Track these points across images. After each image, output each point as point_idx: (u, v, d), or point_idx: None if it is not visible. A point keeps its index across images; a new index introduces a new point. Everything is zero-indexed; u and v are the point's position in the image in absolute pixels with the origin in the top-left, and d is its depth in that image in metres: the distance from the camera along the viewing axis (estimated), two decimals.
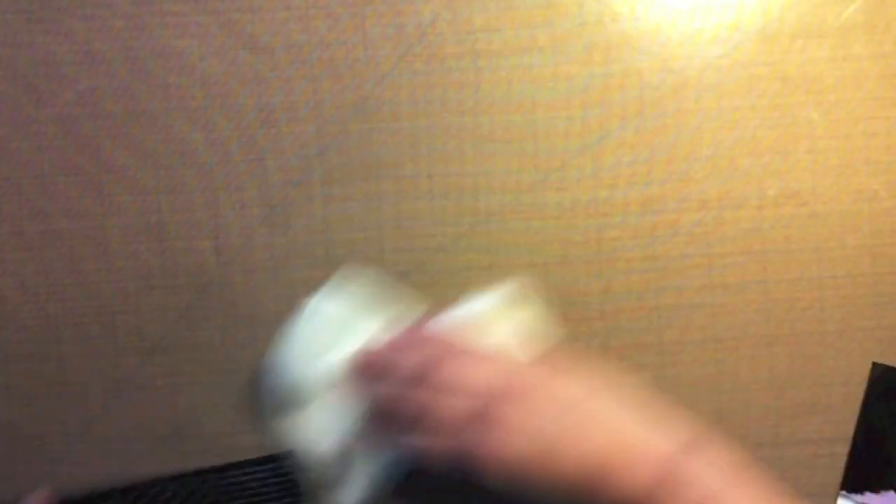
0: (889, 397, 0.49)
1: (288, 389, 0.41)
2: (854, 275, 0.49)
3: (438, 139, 0.49)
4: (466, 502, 0.37)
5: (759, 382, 0.49)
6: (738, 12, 0.49)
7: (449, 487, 0.36)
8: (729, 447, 0.34)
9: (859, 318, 0.49)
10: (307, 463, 0.40)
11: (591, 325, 0.49)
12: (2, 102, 0.48)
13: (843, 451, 0.49)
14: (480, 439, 0.34)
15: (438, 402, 0.35)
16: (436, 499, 0.40)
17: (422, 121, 0.49)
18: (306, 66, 0.49)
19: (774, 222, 0.49)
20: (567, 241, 0.49)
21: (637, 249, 0.49)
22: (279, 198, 0.49)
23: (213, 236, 0.48)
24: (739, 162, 0.49)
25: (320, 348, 0.41)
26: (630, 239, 0.49)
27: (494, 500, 0.34)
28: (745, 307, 0.49)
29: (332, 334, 0.41)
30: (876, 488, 0.49)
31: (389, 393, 0.38)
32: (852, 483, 0.49)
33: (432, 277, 0.49)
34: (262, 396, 0.41)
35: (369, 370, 0.40)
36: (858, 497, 0.49)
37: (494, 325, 0.41)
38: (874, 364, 0.49)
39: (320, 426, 0.40)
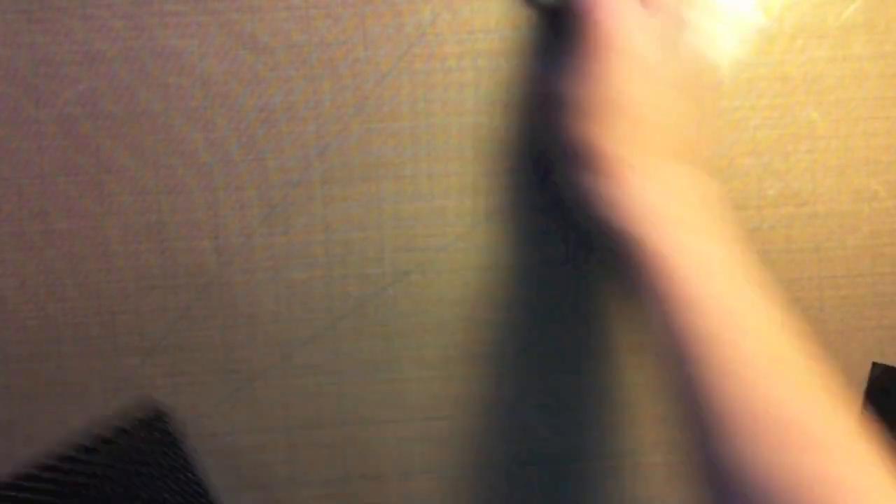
0: (889, 397, 0.49)
1: None
2: (854, 275, 0.49)
3: (438, 139, 0.49)
4: None
5: None
6: (739, 12, 0.49)
7: None
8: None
9: (859, 318, 0.49)
10: None
11: (591, 324, 0.49)
12: (2, 102, 0.48)
13: None
14: None
15: None
16: None
17: (422, 121, 0.49)
18: (306, 66, 0.49)
19: (774, 222, 0.49)
20: (567, 240, 0.49)
21: None
22: (279, 198, 0.49)
23: (213, 236, 0.48)
24: (739, 162, 0.49)
25: None
26: None
27: None
28: None
29: None
30: None
31: None
32: None
33: (432, 277, 0.49)
34: None
35: None
36: None
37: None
38: (874, 364, 0.49)
39: None
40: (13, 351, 0.48)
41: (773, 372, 0.32)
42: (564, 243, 0.49)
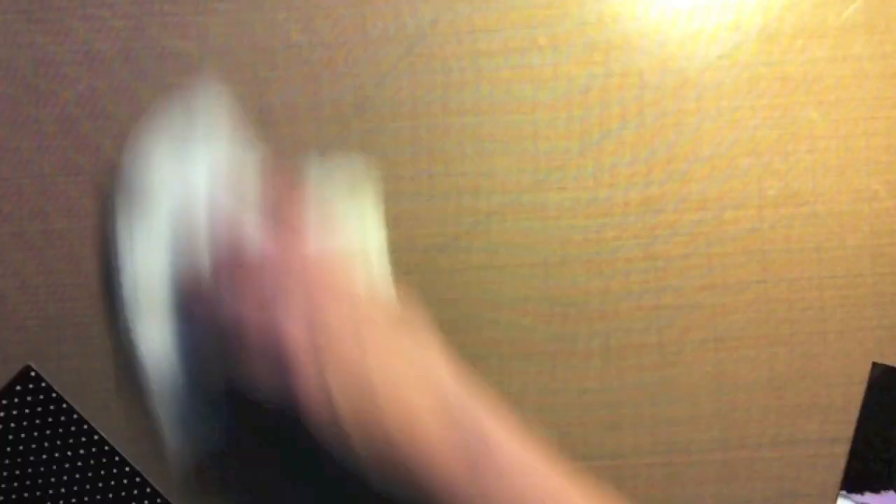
0: (889, 397, 0.49)
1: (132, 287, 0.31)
2: (854, 275, 0.49)
3: (438, 139, 0.49)
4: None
5: (759, 382, 0.49)
6: (738, 12, 0.49)
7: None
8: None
9: (859, 318, 0.49)
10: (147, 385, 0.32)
11: (591, 325, 0.49)
12: (2, 102, 0.48)
13: (843, 451, 0.49)
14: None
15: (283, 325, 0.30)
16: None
17: (422, 121, 0.49)
18: (306, 66, 0.49)
19: (774, 222, 0.49)
20: (567, 241, 0.49)
21: (637, 249, 0.49)
22: None
23: None
24: (739, 162, 0.49)
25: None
26: (630, 239, 0.49)
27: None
28: (745, 307, 0.49)
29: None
30: (876, 488, 0.49)
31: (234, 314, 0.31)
32: (852, 483, 0.49)
33: (432, 277, 0.49)
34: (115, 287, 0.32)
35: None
36: (858, 497, 0.49)
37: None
38: (874, 364, 0.49)
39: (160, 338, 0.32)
40: (13, 351, 0.48)
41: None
42: None
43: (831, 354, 0.49)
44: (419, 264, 0.49)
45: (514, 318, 0.49)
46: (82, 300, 0.48)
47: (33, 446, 0.47)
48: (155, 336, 0.32)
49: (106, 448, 0.47)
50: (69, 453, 0.47)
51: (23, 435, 0.47)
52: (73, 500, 0.47)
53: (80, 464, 0.47)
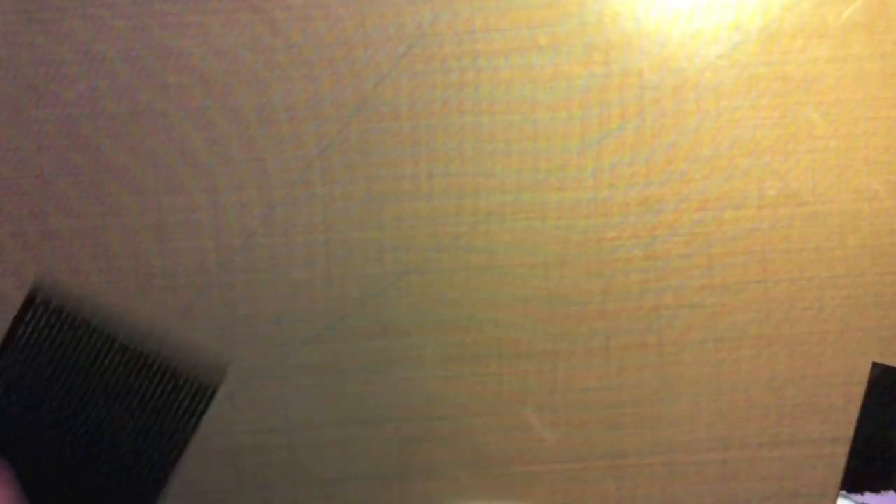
0: (889, 397, 0.49)
1: None
2: (854, 275, 0.49)
3: (438, 139, 0.49)
4: None
5: (759, 382, 0.49)
6: (738, 12, 0.49)
7: None
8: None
9: (859, 318, 0.49)
10: None
11: (591, 325, 0.49)
12: (2, 102, 0.48)
13: (843, 451, 0.49)
14: None
15: None
16: None
17: (422, 121, 0.49)
18: (306, 66, 0.49)
19: (774, 222, 0.49)
20: (567, 241, 0.49)
21: (637, 249, 0.49)
22: (279, 198, 0.49)
23: (214, 236, 0.48)
24: (739, 162, 0.49)
25: None
26: (630, 239, 0.49)
27: None
28: (745, 307, 0.49)
29: None
30: (876, 488, 0.49)
31: None
32: (852, 483, 0.49)
33: (432, 277, 0.49)
34: None
35: None
36: (858, 497, 0.49)
37: None
38: (874, 364, 0.49)
39: None
40: None
41: None
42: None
43: (831, 354, 0.49)
44: (419, 264, 0.49)
45: (514, 318, 0.49)
46: (82, 300, 0.48)
47: (59, 368, 0.47)
48: None
49: (131, 348, 0.47)
50: (96, 364, 0.47)
51: (48, 359, 0.47)
52: (110, 409, 0.47)
53: (109, 373, 0.47)
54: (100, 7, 0.48)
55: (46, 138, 0.48)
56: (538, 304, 0.49)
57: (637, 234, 0.49)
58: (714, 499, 0.49)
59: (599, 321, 0.49)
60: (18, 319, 0.47)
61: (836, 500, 0.49)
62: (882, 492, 0.49)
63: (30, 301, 0.47)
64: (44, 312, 0.47)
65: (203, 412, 0.48)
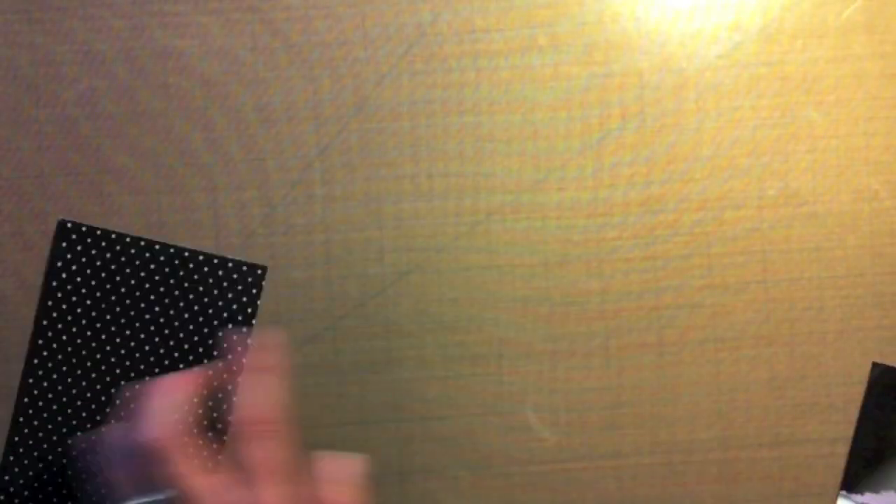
0: (889, 397, 0.49)
1: None
2: (854, 275, 0.49)
3: (438, 139, 0.49)
4: None
5: (759, 382, 0.49)
6: (738, 12, 0.49)
7: None
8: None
9: (859, 318, 0.49)
10: None
11: (591, 325, 0.49)
12: (2, 102, 0.48)
13: (843, 451, 0.49)
14: None
15: None
16: None
17: (422, 121, 0.49)
18: (306, 66, 0.49)
19: (774, 222, 0.49)
20: (567, 241, 0.49)
21: (637, 249, 0.49)
22: (279, 198, 0.49)
23: (213, 236, 0.48)
24: (739, 162, 0.49)
25: None
26: (630, 239, 0.49)
27: None
28: (745, 307, 0.49)
29: None
30: (876, 488, 0.49)
31: None
32: (852, 483, 0.49)
33: (432, 277, 0.49)
34: None
35: None
36: (858, 497, 0.49)
37: None
38: (874, 364, 0.49)
39: None
40: (13, 351, 0.48)
41: None
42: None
43: (831, 354, 0.49)
44: (419, 264, 0.49)
45: (514, 318, 0.49)
46: None
47: (104, 287, 0.48)
48: None
49: (172, 250, 0.48)
50: (141, 274, 0.48)
51: (92, 282, 0.47)
52: (156, 309, 0.48)
53: (156, 277, 0.48)
54: (100, 7, 0.48)
55: (46, 138, 0.48)
56: (538, 304, 0.49)
57: (637, 234, 0.49)
58: (714, 499, 0.49)
59: (599, 321, 0.49)
60: None
61: (836, 500, 0.49)
62: (882, 492, 0.49)
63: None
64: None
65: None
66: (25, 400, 0.47)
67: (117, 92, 0.48)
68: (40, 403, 0.47)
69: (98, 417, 0.47)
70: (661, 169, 0.49)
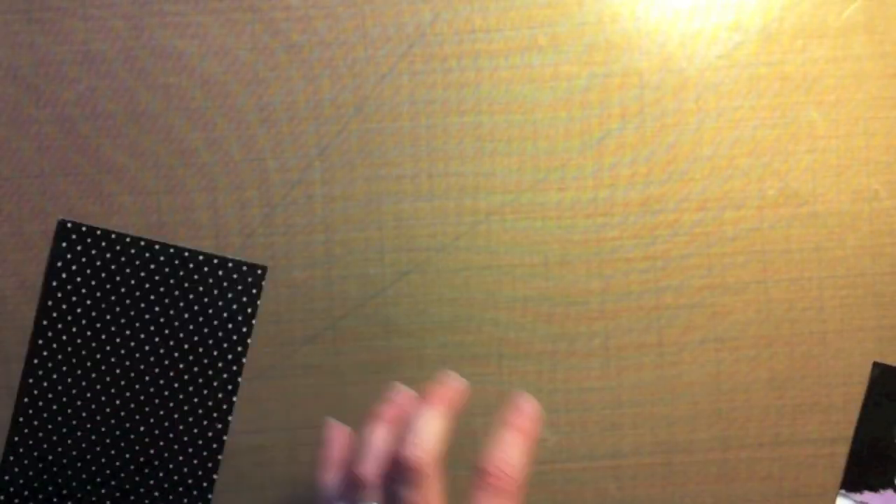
0: (889, 397, 0.49)
1: None
2: (854, 275, 0.49)
3: (438, 139, 0.49)
4: None
5: (759, 382, 0.49)
6: (738, 12, 0.49)
7: None
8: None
9: (859, 318, 0.49)
10: None
11: (591, 325, 0.49)
12: (2, 102, 0.48)
13: (843, 451, 0.49)
14: None
15: None
16: None
17: (422, 121, 0.49)
18: (306, 66, 0.49)
19: (774, 222, 0.49)
20: (567, 241, 0.49)
21: (637, 249, 0.49)
22: (279, 198, 0.49)
23: (213, 236, 0.48)
24: (739, 162, 0.49)
25: None
26: (630, 239, 0.49)
27: None
28: (745, 307, 0.49)
29: None
30: (876, 488, 0.49)
31: None
32: (852, 483, 0.49)
33: (432, 277, 0.49)
34: None
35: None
36: (858, 497, 0.49)
37: None
38: (874, 364, 0.49)
39: None
40: (13, 351, 0.48)
41: None
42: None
43: (831, 354, 0.49)
44: (419, 264, 0.49)
45: (514, 318, 0.49)
46: None
47: (104, 287, 0.47)
48: None
49: (171, 250, 0.48)
50: (140, 274, 0.48)
51: (92, 282, 0.47)
52: (156, 309, 0.48)
53: (156, 277, 0.48)
54: (99, 7, 0.48)
55: (46, 138, 0.48)
56: (538, 304, 0.49)
57: (637, 234, 0.49)
58: (714, 499, 0.49)
59: (599, 321, 0.49)
60: None
61: (836, 499, 0.49)
62: (882, 491, 0.49)
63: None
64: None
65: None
66: (25, 400, 0.47)
67: (117, 92, 0.48)
68: (40, 403, 0.47)
69: (98, 417, 0.47)
70: (661, 169, 0.49)
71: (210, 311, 0.48)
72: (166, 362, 0.48)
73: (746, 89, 0.49)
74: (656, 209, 0.49)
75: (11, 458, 0.47)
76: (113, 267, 0.47)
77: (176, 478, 0.48)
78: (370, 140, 0.49)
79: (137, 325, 0.48)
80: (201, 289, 0.48)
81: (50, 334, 0.47)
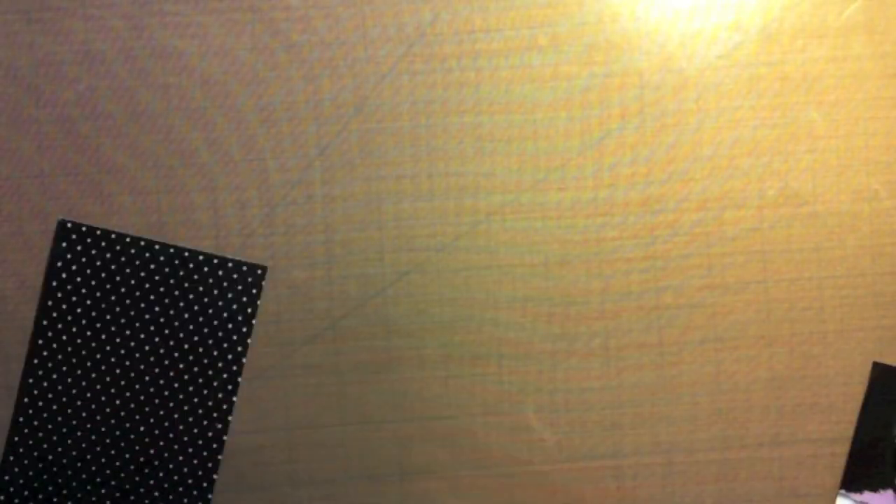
0: (889, 397, 0.49)
1: None
2: (854, 275, 0.49)
3: (438, 139, 0.49)
4: None
5: (759, 382, 0.49)
6: (738, 12, 0.49)
7: None
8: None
9: (859, 318, 0.49)
10: None
11: (591, 325, 0.49)
12: (2, 102, 0.48)
13: (843, 451, 0.49)
14: None
15: None
16: None
17: (422, 121, 0.49)
18: (306, 66, 0.49)
19: (774, 222, 0.49)
20: (567, 241, 0.49)
21: (637, 249, 0.49)
22: (279, 198, 0.49)
23: (213, 236, 0.48)
24: (739, 162, 0.49)
25: None
26: (630, 239, 0.49)
27: None
28: (745, 307, 0.49)
29: None
30: (876, 488, 0.49)
31: None
32: (852, 483, 0.49)
33: (432, 277, 0.49)
34: None
35: None
36: (858, 497, 0.49)
37: None
38: (874, 364, 0.49)
39: None
40: (13, 351, 0.48)
41: None
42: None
43: (831, 354, 0.49)
44: (419, 264, 0.49)
45: (514, 318, 0.49)
46: None
47: (105, 287, 0.47)
48: None
49: (171, 250, 0.48)
50: (140, 274, 0.48)
51: (92, 282, 0.47)
52: (156, 309, 0.48)
53: (156, 277, 0.48)
54: (99, 7, 0.48)
55: (46, 138, 0.48)
56: (538, 304, 0.49)
57: (637, 234, 0.49)
58: (714, 499, 0.49)
59: (599, 321, 0.49)
60: None
61: (836, 499, 0.49)
62: (882, 491, 0.49)
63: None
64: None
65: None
66: (25, 400, 0.47)
67: (117, 92, 0.48)
68: (40, 403, 0.47)
69: (98, 417, 0.47)
70: (661, 169, 0.49)
71: (210, 311, 0.48)
72: (166, 362, 0.48)
73: (746, 89, 0.49)
74: (656, 209, 0.49)
75: (11, 458, 0.47)
76: (113, 267, 0.47)
77: (176, 478, 0.48)
78: (370, 140, 0.49)
79: (137, 325, 0.48)
80: (201, 289, 0.48)
81: (50, 334, 0.47)
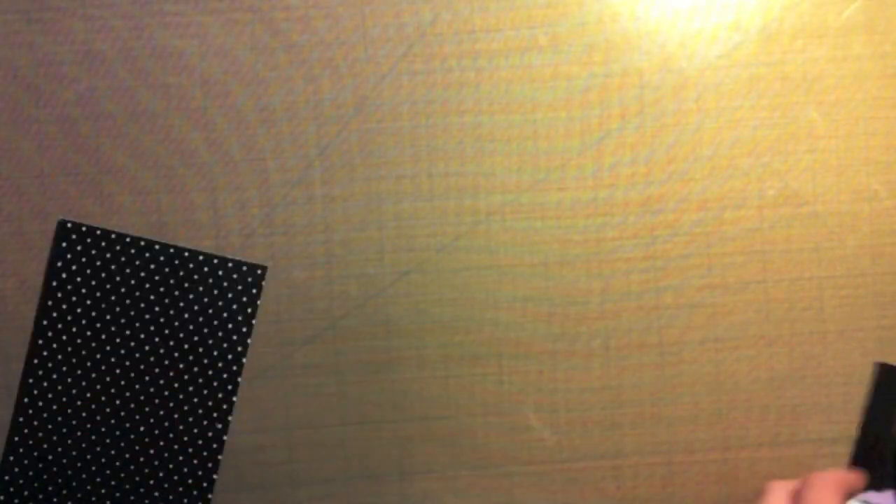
0: (889, 397, 0.49)
1: None
2: (854, 275, 0.49)
3: (438, 139, 0.49)
4: None
5: (759, 382, 0.49)
6: (738, 12, 0.49)
7: None
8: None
9: (859, 318, 0.49)
10: None
11: (591, 325, 0.49)
12: (2, 102, 0.48)
13: (843, 451, 0.49)
14: None
15: None
16: None
17: (422, 121, 0.49)
18: (306, 66, 0.49)
19: (774, 222, 0.49)
20: (567, 241, 0.49)
21: (637, 249, 0.49)
22: (279, 198, 0.49)
23: (213, 236, 0.48)
24: (739, 162, 0.49)
25: None
26: (630, 239, 0.49)
27: None
28: (745, 307, 0.49)
29: None
30: (876, 488, 0.49)
31: None
32: None
33: (432, 277, 0.49)
34: None
35: None
36: (859, 496, 0.49)
37: None
38: (875, 364, 0.49)
39: None
40: (13, 351, 0.48)
41: None
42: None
43: (831, 354, 0.49)
44: (419, 264, 0.49)
45: (514, 318, 0.49)
46: None
47: (104, 287, 0.47)
48: None
49: (171, 250, 0.48)
50: (140, 274, 0.48)
51: (92, 282, 0.47)
52: (156, 309, 0.48)
53: (156, 277, 0.48)
54: (99, 7, 0.48)
55: (46, 138, 0.48)
56: (538, 304, 0.49)
57: (637, 234, 0.49)
58: (714, 499, 0.49)
59: (599, 321, 0.49)
60: None
61: None
62: (882, 491, 0.49)
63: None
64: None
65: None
66: (25, 400, 0.47)
67: (117, 92, 0.48)
68: (40, 403, 0.47)
69: (98, 417, 0.47)
70: (661, 169, 0.49)
71: (210, 311, 0.48)
72: (166, 362, 0.48)
73: (746, 89, 0.49)
74: (656, 209, 0.49)
75: (11, 458, 0.47)
76: (113, 267, 0.47)
77: (176, 478, 0.48)
78: (370, 140, 0.49)
79: (137, 324, 0.48)
80: (201, 289, 0.48)
81: (50, 334, 0.47)
